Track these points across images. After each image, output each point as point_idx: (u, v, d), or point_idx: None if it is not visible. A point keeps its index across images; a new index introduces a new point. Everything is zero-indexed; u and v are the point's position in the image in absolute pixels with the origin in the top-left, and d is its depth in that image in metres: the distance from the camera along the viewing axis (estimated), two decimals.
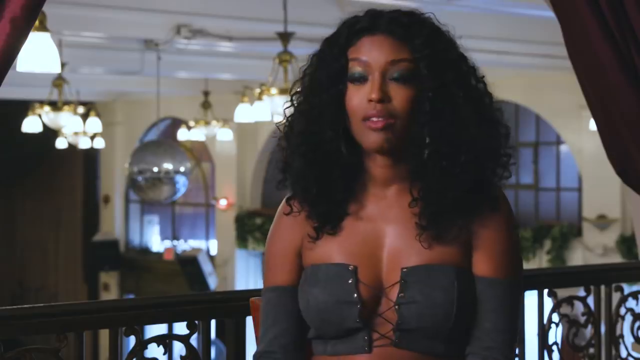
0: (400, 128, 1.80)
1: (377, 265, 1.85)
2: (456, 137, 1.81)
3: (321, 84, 1.85)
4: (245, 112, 9.64)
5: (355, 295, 1.82)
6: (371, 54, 1.82)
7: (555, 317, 3.06)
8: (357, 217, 1.88)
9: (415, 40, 1.81)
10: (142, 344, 2.48)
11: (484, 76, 1.88)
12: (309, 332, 1.92)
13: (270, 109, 7.19)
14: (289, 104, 1.92)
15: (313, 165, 1.86)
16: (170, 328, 2.81)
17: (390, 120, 1.80)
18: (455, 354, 1.85)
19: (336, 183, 1.86)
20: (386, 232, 1.86)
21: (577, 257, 11.46)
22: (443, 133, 1.81)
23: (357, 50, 1.84)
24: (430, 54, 1.81)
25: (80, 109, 10.08)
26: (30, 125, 10.37)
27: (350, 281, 1.83)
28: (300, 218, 1.91)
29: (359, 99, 1.82)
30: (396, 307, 1.81)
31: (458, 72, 1.84)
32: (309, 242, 1.90)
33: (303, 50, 7.50)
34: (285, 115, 1.93)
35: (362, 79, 1.82)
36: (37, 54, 5.01)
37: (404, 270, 1.83)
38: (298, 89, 1.91)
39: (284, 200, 1.96)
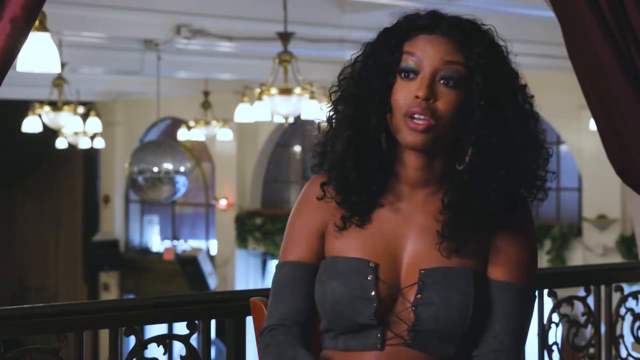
0: (441, 131, 1.80)
1: (397, 265, 1.85)
2: (500, 151, 1.80)
3: (373, 72, 1.84)
4: (245, 112, 9.64)
5: (374, 292, 1.82)
6: (426, 51, 1.81)
7: (555, 317, 3.06)
8: (384, 215, 1.88)
9: (474, 48, 1.81)
10: (142, 344, 2.48)
11: (533, 96, 1.88)
12: (321, 325, 1.91)
13: (270, 109, 7.19)
14: (336, 88, 1.91)
15: (355, 151, 1.84)
16: (170, 328, 2.81)
17: (432, 122, 1.78)
18: (466, 357, 1.85)
19: (373, 174, 1.86)
20: (409, 235, 1.86)
21: (577, 257, 11.46)
22: (488, 145, 1.80)
23: (412, 45, 1.83)
24: (486, 64, 1.80)
25: (80, 109, 10.06)
26: (30, 125, 10.36)
27: (369, 278, 1.83)
28: (330, 204, 1.90)
29: (405, 94, 1.81)
30: (413, 308, 1.82)
31: (509, 88, 1.84)
32: (334, 231, 1.89)
33: (303, 50, 7.52)
34: (331, 99, 1.91)
35: (412, 74, 1.81)
36: (37, 54, 5.01)
37: (422, 271, 1.83)
38: (347, 75, 1.90)
39: (312, 179, 1.94)
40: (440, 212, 1.85)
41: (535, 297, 1.94)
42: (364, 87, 1.85)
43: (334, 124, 1.90)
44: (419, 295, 1.82)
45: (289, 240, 1.93)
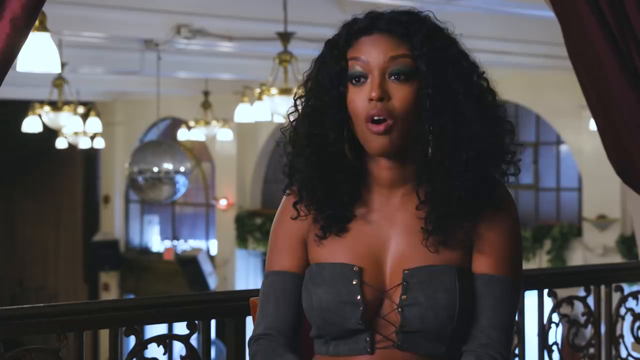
0: (402, 128, 1.80)
1: (381, 268, 1.85)
2: (458, 134, 1.80)
3: (323, 86, 1.86)
4: (245, 112, 9.64)
5: (359, 296, 1.82)
6: (370, 52, 1.82)
7: (555, 317, 3.06)
8: (363, 220, 1.88)
9: (414, 38, 1.81)
10: (142, 344, 2.48)
11: (484, 72, 1.87)
12: (311, 331, 1.92)
13: (270, 109, 7.19)
14: (293, 109, 1.92)
15: (318, 167, 1.86)
16: (170, 328, 2.82)
17: (390, 121, 1.79)
18: (456, 354, 1.85)
19: (341, 185, 1.86)
20: (391, 236, 1.86)
21: (577, 257, 11.46)
22: (445, 130, 1.80)
23: (356, 50, 1.84)
24: (429, 50, 1.80)
25: (80, 109, 10.06)
26: (30, 125, 10.36)
27: (354, 282, 1.83)
28: (308, 219, 1.91)
29: (360, 99, 1.81)
30: (399, 309, 1.81)
31: (458, 69, 1.83)
32: (315, 240, 1.90)
33: (303, 51, 7.53)
34: (289, 121, 1.92)
35: (361, 79, 1.82)
36: (37, 54, 5.01)
37: (406, 272, 1.83)
38: (302, 94, 1.91)
39: (285, 197, 1.95)
40: (418, 207, 1.85)
41: (521, 286, 1.93)
42: (317, 104, 1.86)
43: (295, 144, 1.90)
44: (404, 296, 1.81)
45: (273, 250, 1.95)
